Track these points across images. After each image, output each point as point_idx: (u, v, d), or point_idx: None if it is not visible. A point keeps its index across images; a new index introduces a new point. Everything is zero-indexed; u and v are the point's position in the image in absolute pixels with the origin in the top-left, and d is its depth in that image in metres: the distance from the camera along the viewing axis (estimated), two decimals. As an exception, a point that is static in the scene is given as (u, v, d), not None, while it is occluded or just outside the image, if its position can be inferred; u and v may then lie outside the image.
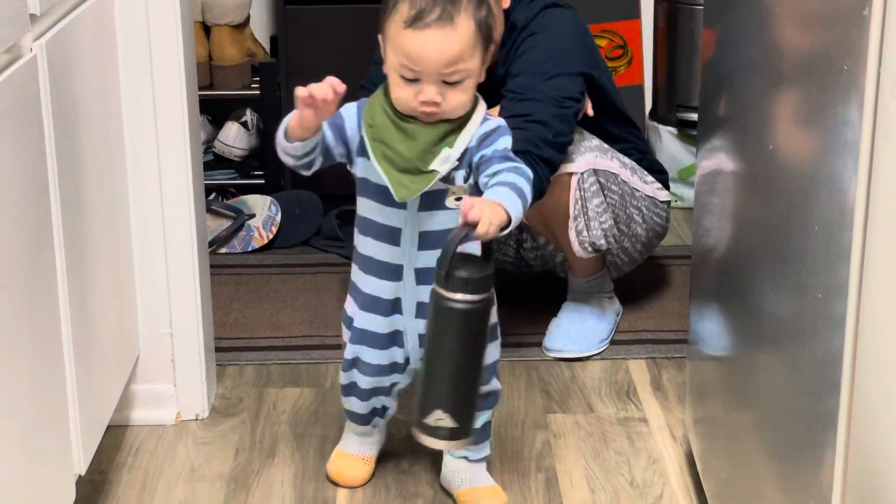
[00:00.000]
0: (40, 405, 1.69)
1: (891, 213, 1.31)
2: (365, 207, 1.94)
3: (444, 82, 1.81)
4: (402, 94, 1.83)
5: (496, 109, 2.39)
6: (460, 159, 1.86)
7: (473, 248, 1.82)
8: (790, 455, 1.57)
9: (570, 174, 2.44)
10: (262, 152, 3.38)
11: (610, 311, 2.66)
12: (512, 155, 1.85)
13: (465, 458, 2.04)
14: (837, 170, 1.39)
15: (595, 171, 2.48)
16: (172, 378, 2.35)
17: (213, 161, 3.35)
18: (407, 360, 2.01)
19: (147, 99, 2.21)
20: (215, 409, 2.39)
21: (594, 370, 2.52)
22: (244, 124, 3.39)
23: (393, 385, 2.06)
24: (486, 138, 1.86)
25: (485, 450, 2.07)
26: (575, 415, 2.34)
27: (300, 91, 1.77)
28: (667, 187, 2.69)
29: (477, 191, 1.86)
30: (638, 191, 2.57)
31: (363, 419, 2.11)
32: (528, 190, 1.80)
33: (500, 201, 1.73)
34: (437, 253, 1.79)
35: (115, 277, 2.14)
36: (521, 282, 2.87)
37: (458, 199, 1.85)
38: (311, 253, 3.14)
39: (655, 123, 3.42)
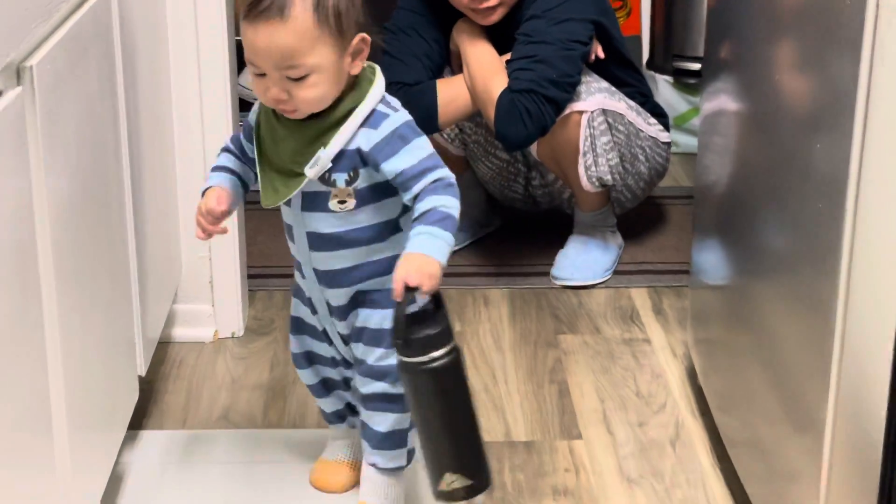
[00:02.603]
0: (113, 316, 1.87)
1: (886, 151, 1.45)
2: None
3: (290, 79, 1.65)
4: (256, 88, 1.69)
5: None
6: (337, 160, 1.70)
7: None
8: (786, 370, 1.73)
9: (581, 113, 2.63)
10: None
11: (613, 243, 2.86)
12: (428, 166, 1.69)
13: (374, 465, 1.88)
14: (836, 111, 1.52)
15: (604, 111, 2.67)
16: (210, 299, 2.53)
17: (233, 103, 3.51)
18: (344, 360, 1.90)
19: (191, 35, 2.38)
20: (249, 328, 2.57)
21: (599, 297, 2.72)
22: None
23: (347, 380, 1.94)
24: (380, 145, 1.69)
25: (397, 459, 1.88)
26: (583, 335, 2.54)
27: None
28: (667, 129, 2.88)
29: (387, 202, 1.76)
30: (642, 131, 2.77)
31: (333, 417, 2.00)
32: (450, 217, 1.67)
33: (425, 253, 1.63)
34: (331, 256, 1.76)
35: (163, 208, 2.32)
36: (529, 217, 3.07)
37: (342, 202, 1.73)
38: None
39: (652, 73, 3.60)
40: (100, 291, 1.79)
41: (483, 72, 2.60)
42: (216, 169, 1.83)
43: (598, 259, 2.79)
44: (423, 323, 1.63)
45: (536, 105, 2.54)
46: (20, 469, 1.41)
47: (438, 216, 1.66)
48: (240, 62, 3.57)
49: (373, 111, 1.71)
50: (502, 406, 2.27)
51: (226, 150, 1.85)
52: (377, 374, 1.82)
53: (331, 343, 1.89)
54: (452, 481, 1.67)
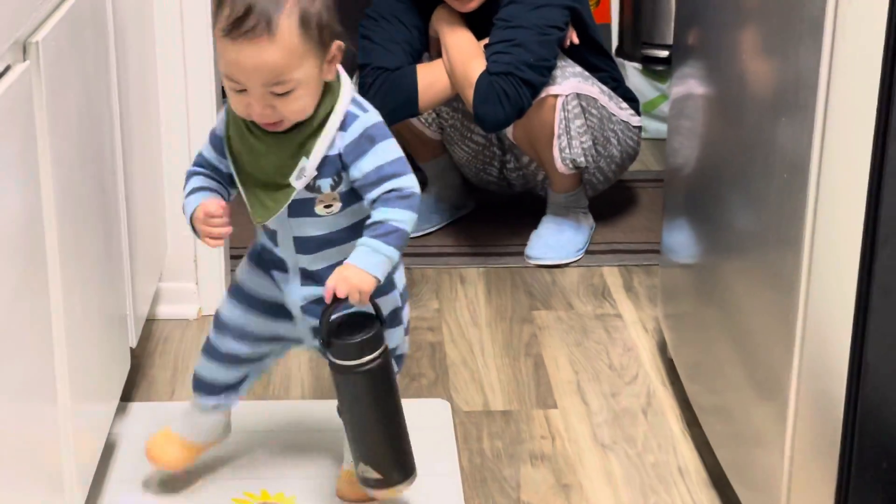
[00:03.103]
0: (107, 290, 1.94)
1: (846, 132, 1.54)
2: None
3: (274, 94, 1.63)
4: (235, 103, 1.66)
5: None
6: (321, 167, 1.70)
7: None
8: (751, 342, 1.82)
9: (556, 96, 2.72)
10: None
11: (585, 224, 2.94)
12: (388, 173, 1.71)
13: None
14: (798, 94, 1.60)
15: (578, 95, 2.75)
16: (195, 277, 2.60)
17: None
18: (298, 341, 1.89)
19: (176, 18, 2.44)
20: (232, 306, 2.64)
21: (572, 275, 2.80)
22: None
23: (263, 356, 1.92)
24: (351, 146, 1.70)
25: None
26: (557, 311, 2.63)
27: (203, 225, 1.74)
28: (638, 114, 2.96)
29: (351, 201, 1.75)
30: (614, 115, 2.86)
31: (211, 389, 1.93)
32: (398, 231, 1.69)
33: (360, 267, 1.67)
34: (318, 256, 1.77)
35: (151, 186, 2.38)
36: (503, 199, 3.15)
37: (328, 206, 1.73)
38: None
39: (622, 60, 3.68)
40: (96, 266, 1.86)
41: (462, 56, 2.68)
42: (193, 192, 1.78)
43: (570, 239, 2.88)
44: (355, 327, 1.70)
45: (514, 87, 2.62)
46: (27, 435, 1.48)
47: (385, 230, 1.68)
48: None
49: (346, 113, 1.70)
50: (480, 378, 2.35)
51: (195, 173, 1.80)
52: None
53: (288, 318, 1.85)
54: (365, 470, 1.77)
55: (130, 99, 2.14)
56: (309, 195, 1.71)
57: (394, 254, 1.68)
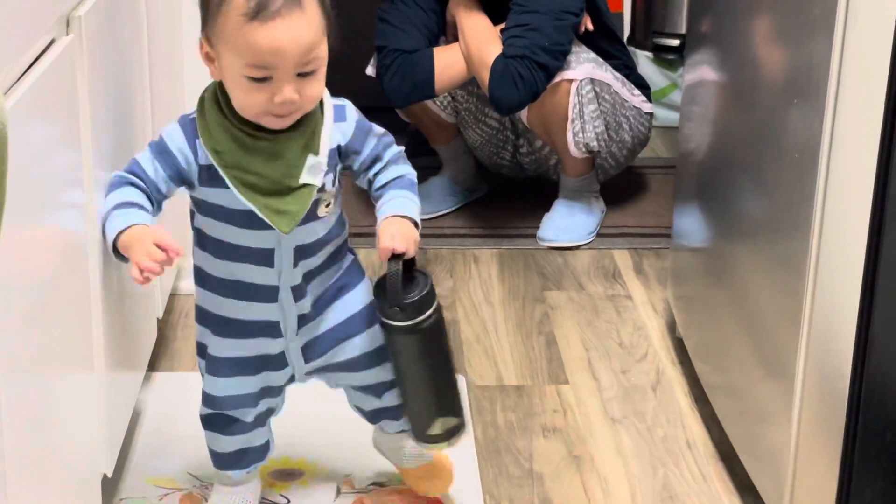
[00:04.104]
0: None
1: (856, 120, 1.59)
2: (219, 230, 1.66)
3: (300, 75, 1.56)
4: (253, 100, 1.56)
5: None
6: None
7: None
8: (760, 322, 1.88)
9: (570, 81, 2.78)
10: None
11: (596, 208, 3.00)
12: (388, 139, 1.72)
13: (403, 431, 1.85)
14: (810, 82, 1.66)
15: (592, 81, 2.81)
16: (215, 253, 2.66)
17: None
18: (291, 378, 1.79)
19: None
20: (251, 282, 2.70)
21: (583, 257, 2.86)
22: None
23: (268, 412, 1.82)
24: (353, 136, 1.68)
25: None
26: (568, 292, 2.69)
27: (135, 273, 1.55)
28: (650, 101, 3.02)
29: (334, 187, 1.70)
30: (627, 101, 2.92)
31: (232, 461, 1.82)
32: (415, 185, 1.72)
33: (406, 214, 1.66)
34: (309, 262, 1.69)
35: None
36: (516, 183, 3.21)
37: (328, 205, 1.67)
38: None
39: (633, 49, 3.74)
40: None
41: (478, 39, 2.74)
42: (124, 206, 1.61)
43: (582, 222, 2.94)
44: (410, 287, 1.64)
45: (529, 70, 2.68)
46: (66, 400, 1.55)
47: (408, 182, 1.70)
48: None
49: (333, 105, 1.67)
50: (493, 354, 2.41)
51: (128, 182, 1.64)
52: (382, 356, 1.77)
53: (284, 366, 1.76)
54: (445, 422, 1.74)
55: (159, 75, 2.20)
56: (314, 196, 1.64)
57: (419, 205, 1.71)
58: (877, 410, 1.70)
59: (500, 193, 3.19)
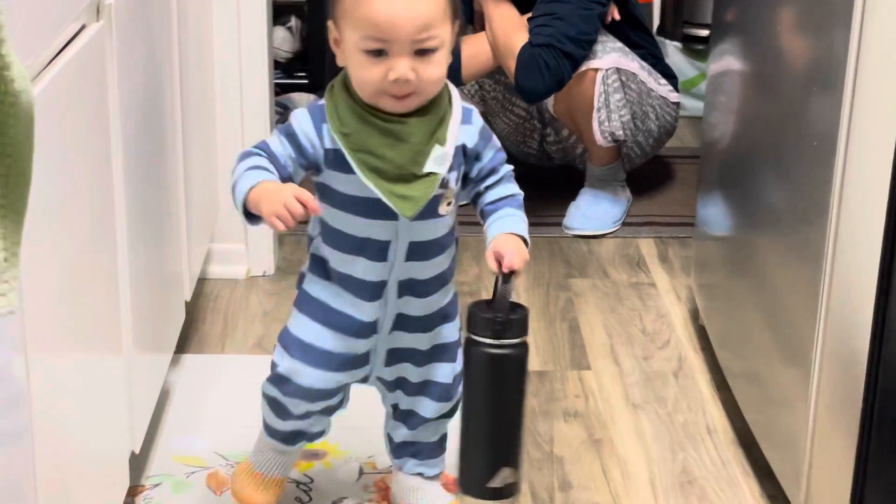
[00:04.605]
0: (164, 245, 2.04)
1: (873, 111, 1.61)
2: (340, 220, 1.65)
3: (416, 53, 1.54)
4: (369, 75, 1.55)
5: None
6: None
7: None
8: (780, 311, 1.90)
9: (596, 70, 2.80)
10: (306, 54, 3.72)
11: (622, 197, 3.02)
12: (504, 155, 1.71)
13: (420, 474, 1.85)
14: (829, 74, 1.68)
15: (618, 70, 2.83)
16: (244, 239, 2.70)
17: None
18: (365, 378, 1.78)
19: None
20: (279, 268, 2.74)
21: (608, 245, 2.89)
22: (289, 29, 3.73)
23: (336, 406, 1.81)
24: (479, 139, 1.66)
25: (440, 465, 1.87)
26: (592, 279, 2.71)
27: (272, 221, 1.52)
28: (677, 90, 3.04)
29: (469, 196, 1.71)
30: (653, 91, 2.93)
31: (288, 438, 1.83)
32: (522, 202, 1.71)
33: (519, 233, 1.64)
34: (425, 264, 1.67)
35: (205, 151, 2.49)
36: (543, 172, 3.24)
37: (449, 203, 1.65)
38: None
39: (662, 39, 3.76)
40: (157, 222, 1.96)
41: (505, 28, 2.77)
42: (255, 168, 1.59)
43: (607, 211, 2.96)
44: (511, 308, 1.55)
45: (554, 59, 2.71)
46: (95, 380, 1.59)
47: (520, 203, 1.69)
48: (275, 16, 3.76)
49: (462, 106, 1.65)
50: (517, 340, 2.44)
51: (256, 154, 1.61)
52: (450, 393, 1.77)
53: (367, 363, 1.75)
54: (506, 476, 1.58)
55: (189, 63, 2.23)
56: (437, 192, 1.61)
57: (527, 223, 1.67)
58: (893, 396, 1.72)
59: (527, 182, 3.15)
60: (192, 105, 2.28)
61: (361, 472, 1.99)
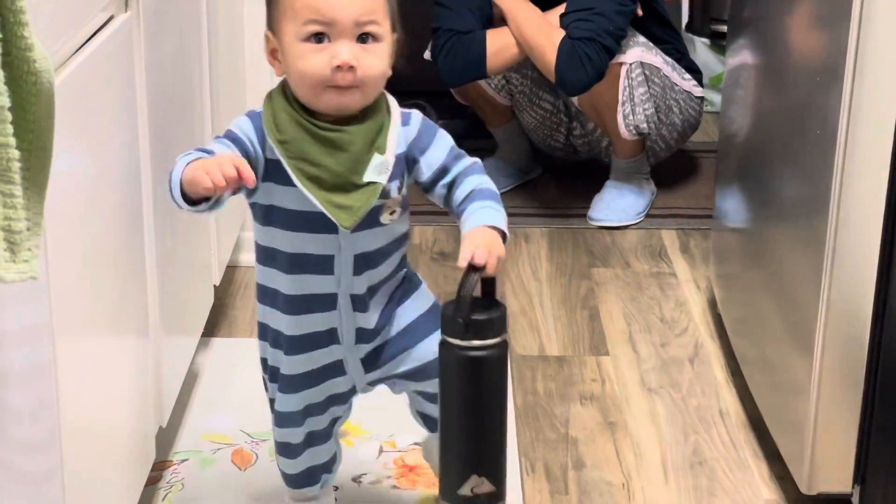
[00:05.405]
0: (192, 231, 2.12)
1: (873, 107, 1.66)
2: (278, 239, 1.61)
3: (359, 40, 1.52)
4: (311, 64, 1.52)
5: (561, 7, 2.83)
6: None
7: None
8: (791, 300, 1.95)
9: (620, 64, 2.86)
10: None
11: (646, 190, 3.08)
12: (460, 152, 1.63)
13: None
14: (831, 70, 1.73)
15: (642, 64, 2.89)
16: (275, 227, 2.77)
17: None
18: (352, 389, 1.74)
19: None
20: (309, 256, 2.82)
21: (631, 237, 2.94)
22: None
23: (333, 422, 1.78)
24: (416, 140, 1.61)
25: None
26: (614, 269, 2.77)
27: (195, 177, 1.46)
28: (701, 85, 3.09)
29: (404, 200, 1.63)
30: (677, 85, 2.99)
31: (304, 479, 1.81)
32: (498, 195, 1.60)
33: (493, 224, 1.54)
34: (373, 274, 1.63)
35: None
36: (568, 165, 3.30)
37: (392, 212, 1.61)
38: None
39: (691, 35, 3.80)
40: (185, 215, 2.02)
41: (534, 24, 2.83)
42: (197, 152, 1.54)
43: (631, 203, 3.02)
44: (482, 306, 1.47)
45: (596, 53, 2.77)
46: (122, 357, 1.66)
47: (490, 193, 1.59)
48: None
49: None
50: (538, 327, 2.50)
51: (199, 151, 1.55)
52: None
53: (343, 374, 1.71)
54: (476, 484, 1.52)
55: (219, 53, 2.31)
56: (377, 202, 1.58)
57: (505, 214, 1.58)
58: (894, 381, 1.76)
59: (553, 175, 3.28)
60: (222, 95, 2.35)
61: (381, 451, 2.05)
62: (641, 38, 2.93)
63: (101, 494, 1.56)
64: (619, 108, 2.89)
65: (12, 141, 1.00)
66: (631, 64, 2.87)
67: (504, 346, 1.48)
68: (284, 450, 1.77)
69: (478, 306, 1.46)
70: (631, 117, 2.91)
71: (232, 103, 2.50)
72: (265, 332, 1.70)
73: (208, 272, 2.26)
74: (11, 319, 1.21)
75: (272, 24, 1.57)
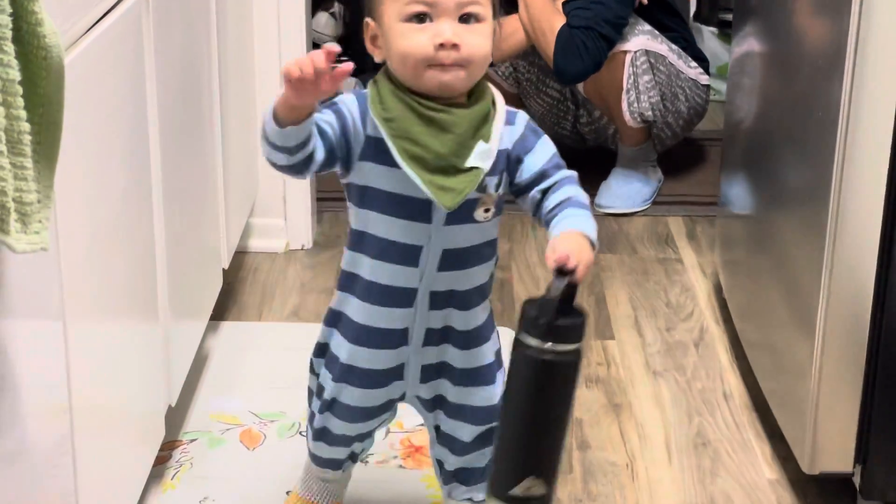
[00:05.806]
0: (202, 216, 2.14)
1: (874, 96, 1.68)
2: (371, 222, 1.59)
3: (461, 20, 1.50)
4: (413, 43, 1.49)
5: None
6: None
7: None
8: (795, 286, 1.96)
9: (625, 52, 2.87)
10: (348, 39, 3.81)
11: (653, 177, 3.09)
12: (561, 161, 1.62)
13: (470, 499, 1.78)
14: (833, 58, 1.74)
15: (646, 52, 2.91)
16: (283, 213, 2.80)
17: (305, 45, 3.78)
18: (402, 395, 1.72)
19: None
20: (317, 242, 2.84)
21: (638, 223, 2.96)
22: (332, 14, 3.83)
23: (381, 424, 1.76)
24: (520, 140, 1.58)
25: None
26: (621, 255, 2.79)
27: (286, 69, 1.43)
28: (707, 73, 3.10)
29: (500, 201, 1.60)
30: (682, 73, 3.00)
31: (334, 464, 1.81)
32: (588, 203, 1.59)
33: (586, 233, 1.51)
34: (457, 274, 1.60)
35: (244, 126, 2.58)
36: (575, 153, 3.30)
37: (487, 210, 1.58)
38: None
39: (699, 24, 3.82)
40: (194, 193, 2.06)
41: (538, 11, 2.85)
42: None
43: (638, 190, 3.03)
44: (565, 310, 1.43)
45: (593, 41, 2.79)
46: (131, 338, 1.69)
47: (585, 205, 1.57)
48: (318, 1, 3.86)
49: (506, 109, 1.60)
50: (544, 311, 2.51)
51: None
52: (488, 417, 1.69)
53: (402, 378, 1.69)
54: (531, 486, 1.49)
55: (228, 39, 2.33)
56: (474, 195, 1.55)
57: (596, 225, 1.55)
58: (894, 363, 1.78)
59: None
60: (231, 80, 2.38)
61: (388, 431, 2.07)
62: (647, 27, 2.95)
63: (112, 471, 1.59)
64: (624, 96, 2.91)
65: (23, 114, 1.02)
66: (636, 52, 2.89)
67: (579, 353, 1.45)
68: (324, 436, 1.75)
69: (561, 311, 1.42)
70: (636, 105, 2.92)
71: (241, 85, 2.52)
72: (335, 319, 1.68)
73: (217, 256, 2.28)
74: (22, 300, 1.23)
75: (371, 10, 1.55)
